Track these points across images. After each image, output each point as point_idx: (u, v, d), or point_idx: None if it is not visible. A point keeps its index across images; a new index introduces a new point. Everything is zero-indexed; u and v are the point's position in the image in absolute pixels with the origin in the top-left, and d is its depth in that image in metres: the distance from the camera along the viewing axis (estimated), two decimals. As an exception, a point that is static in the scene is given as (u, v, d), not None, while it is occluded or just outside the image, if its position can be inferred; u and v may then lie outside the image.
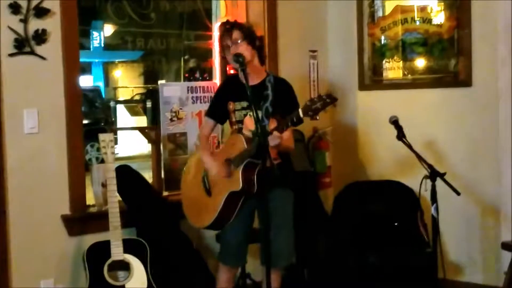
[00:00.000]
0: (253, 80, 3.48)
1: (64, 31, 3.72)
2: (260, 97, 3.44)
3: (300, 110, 3.20)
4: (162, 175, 4.38)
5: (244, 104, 3.53)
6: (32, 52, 3.60)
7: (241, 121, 3.54)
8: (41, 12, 3.61)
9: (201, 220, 3.59)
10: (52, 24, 3.67)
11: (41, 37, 3.61)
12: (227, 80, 4.00)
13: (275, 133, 3.24)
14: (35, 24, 3.59)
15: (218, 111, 3.66)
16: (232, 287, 3.71)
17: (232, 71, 4.42)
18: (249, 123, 3.49)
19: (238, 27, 3.55)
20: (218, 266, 3.69)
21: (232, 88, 3.61)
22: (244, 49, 3.45)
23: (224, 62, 3.66)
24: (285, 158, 3.54)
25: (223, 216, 3.46)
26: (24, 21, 3.55)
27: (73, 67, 3.79)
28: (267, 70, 3.74)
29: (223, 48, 3.56)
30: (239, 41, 3.47)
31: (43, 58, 3.64)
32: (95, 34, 18.65)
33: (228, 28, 3.56)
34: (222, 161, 3.50)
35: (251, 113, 3.45)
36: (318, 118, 3.27)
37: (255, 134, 3.38)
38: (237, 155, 3.39)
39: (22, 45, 3.55)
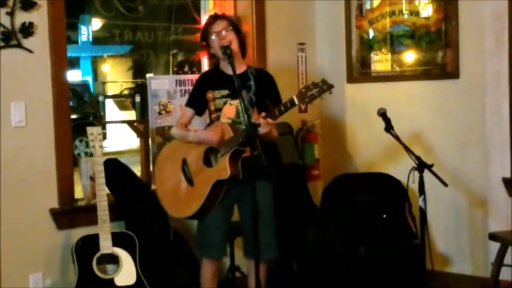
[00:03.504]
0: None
1: (51, 24, 3.70)
2: (243, 87, 3.42)
3: (294, 97, 3.25)
4: (151, 169, 4.38)
5: (224, 92, 3.55)
6: (19, 45, 3.58)
7: (220, 109, 3.56)
8: (28, 5, 3.59)
9: (182, 210, 3.60)
10: (39, 17, 3.65)
11: (28, 30, 3.59)
12: (206, 71, 4.06)
13: (268, 119, 3.26)
14: (22, 17, 3.58)
15: (198, 100, 3.66)
16: (216, 282, 3.69)
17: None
18: (228, 111, 3.52)
19: (225, 17, 3.64)
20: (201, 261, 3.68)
21: (211, 78, 3.68)
22: (233, 37, 3.51)
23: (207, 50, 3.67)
24: (270, 150, 3.53)
25: (206, 205, 3.48)
26: (11, 14, 3.53)
27: (61, 61, 3.78)
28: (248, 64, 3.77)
29: (207, 36, 3.58)
30: (228, 29, 3.51)
31: (30, 51, 3.62)
32: (83, 28, 18.56)
33: (215, 16, 3.63)
34: (201, 152, 3.50)
35: (231, 102, 3.48)
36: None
37: (236, 122, 3.40)
38: (224, 143, 3.39)
39: (9, 38, 3.53)
